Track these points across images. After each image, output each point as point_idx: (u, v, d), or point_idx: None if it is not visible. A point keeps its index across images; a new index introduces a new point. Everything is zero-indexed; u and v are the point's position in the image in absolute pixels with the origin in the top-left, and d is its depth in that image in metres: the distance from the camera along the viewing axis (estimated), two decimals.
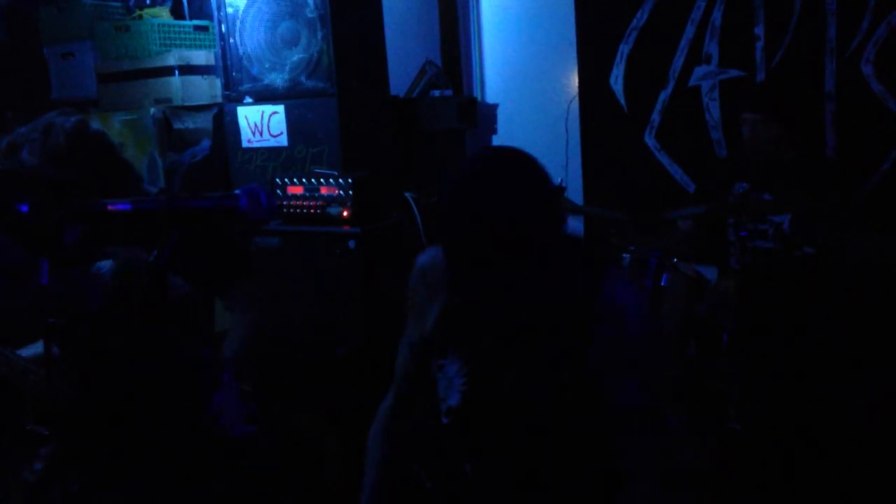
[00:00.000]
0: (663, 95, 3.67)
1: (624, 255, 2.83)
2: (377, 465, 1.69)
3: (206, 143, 3.51)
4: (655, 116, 3.70)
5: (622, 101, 3.77)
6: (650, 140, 3.74)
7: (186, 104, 3.40)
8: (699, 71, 3.57)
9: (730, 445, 2.41)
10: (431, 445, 1.63)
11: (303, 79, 3.00)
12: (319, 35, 2.93)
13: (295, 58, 3.01)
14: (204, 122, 3.55)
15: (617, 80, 3.76)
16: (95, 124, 3.51)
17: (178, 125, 3.52)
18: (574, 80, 3.86)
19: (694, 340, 2.80)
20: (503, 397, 1.40)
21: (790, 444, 2.20)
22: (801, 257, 2.16)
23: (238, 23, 3.08)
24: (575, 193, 3.84)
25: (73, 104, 3.70)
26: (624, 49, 3.71)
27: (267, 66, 3.06)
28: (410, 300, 1.55)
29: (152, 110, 3.39)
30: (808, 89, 3.30)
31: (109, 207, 1.16)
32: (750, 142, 3.06)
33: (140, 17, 3.47)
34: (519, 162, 1.28)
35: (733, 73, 3.50)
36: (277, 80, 3.05)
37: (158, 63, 3.38)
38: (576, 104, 3.86)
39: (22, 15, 3.94)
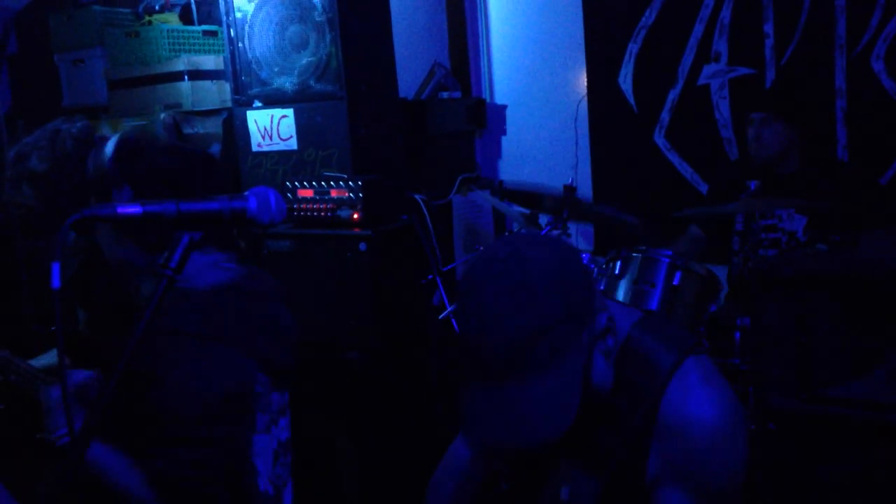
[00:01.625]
0: (672, 94, 3.65)
1: (635, 254, 2.83)
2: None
3: (216, 147, 3.52)
4: (665, 115, 3.69)
5: (631, 100, 3.76)
6: (660, 139, 3.73)
7: (196, 109, 3.42)
8: (708, 69, 3.56)
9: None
10: None
11: (312, 82, 3.01)
12: (328, 38, 2.93)
13: (304, 61, 3.02)
14: (214, 126, 3.56)
15: (626, 80, 3.75)
16: (106, 130, 3.54)
17: (188, 130, 3.53)
18: (583, 80, 3.85)
19: (707, 340, 2.79)
20: (548, 495, 1.26)
21: (806, 443, 2.19)
22: (813, 254, 2.15)
23: (247, 27, 3.09)
24: (585, 192, 3.84)
25: (84, 111, 3.74)
26: (632, 48, 3.70)
27: (276, 70, 3.07)
28: None
29: (162, 115, 3.41)
30: (818, 86, 3.29)
31: (119, 211, 1.16)
32: (755, 143, 3.06)
33: (149, 22, 3.49)
34: (512, 281, 1.10)
35: (743, 70, 3.48)
36: (286, 83, 3.06)
37: (168, 68, 3.39)
38: (584, 104, 3.86)
39: (33, 23, 3.97)
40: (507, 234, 2.79)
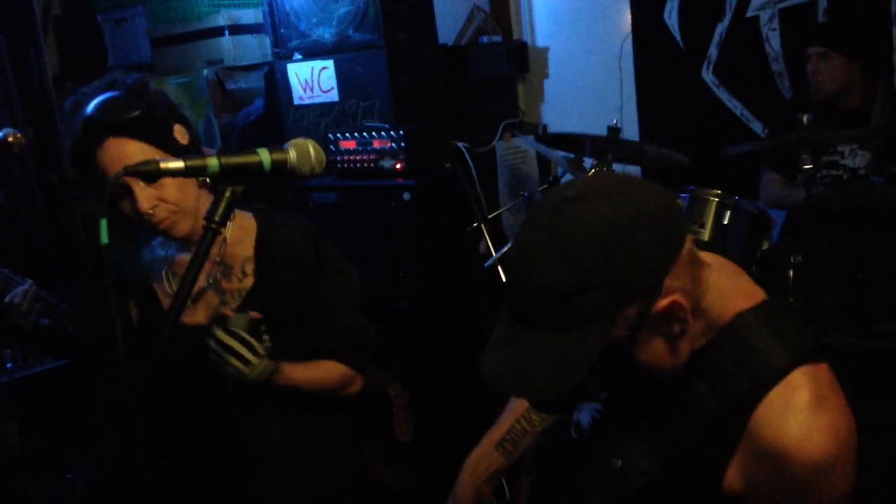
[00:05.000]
0: (720, 28, 3.54)
1: (683, 195, 2.77)
2: (506, 411, 1.53)
3: (259, 102, 3.54)
4: (713, 51, 3.58)
5: (677, 36, 3.65)
6: (708, 76, 3.62)
7: (238, 64, 3.43)
8: (757, 1, 3.43)
9: None
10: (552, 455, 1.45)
11: (350, 32, 2.99)
12: None
13: (342, 11, 2.99)
14: (256, 81, 3.58)
15: (671, 15, 3.64)
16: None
17: (230, 86, 3.55)
18: (627, 18, 3.75)
19: (759, 279, 2.74)
20: (598, 458, 1.15)
21: (862, 379, 2.15)
22: (868, 187, 2.09)
23: None
24: (631, 135, 3.77)
25: (128, 69, 3.78)
26: None
27: (314, 20, 3.05)
28: None
29: (205, 72, 3.43)
30: (873, 13, 3.14)
31: (162, 165, 1.18)
32: (814, 79, 2.96)
33: None
34: (566, 228, 0.99)
35: (793, 0, 3.35)
36: (325, 34, 3.05)
37: (209, 24, 3.40)
38: (629, 42, 3.76)
39: None
40: (602, 170, 2.71)
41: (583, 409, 1.29)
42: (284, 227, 1.74)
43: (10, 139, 1.93)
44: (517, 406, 1.48)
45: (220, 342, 1.53)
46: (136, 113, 1.53)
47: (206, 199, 1.63)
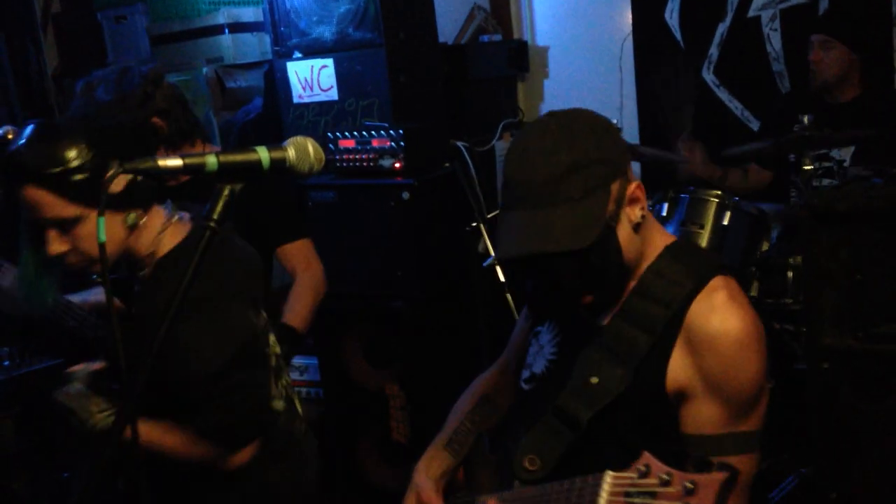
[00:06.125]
0: (721, 28, 3.53)
1: (682, 195, 2.77)
2: (452, 414, 1.67)
3: (258, 100, 3.53)
4: (713, 51, 3.57)
5: (678, 36, 3.64)
6: (708, 76, 3.62)
7: (238, 62, 3.42)
8: (759, 1, 3.42)
9: (797, 386, 2.37)
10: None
11: (350, 30, 2.98)
12: None
13: (342, 9, 2.99)
14: (255, 79, 3.57)
15: (672, 15, 3.64)
16: None
17: (230, 84, 3.55)
18: (627, 17, 3.74)
19: (758, 280, 2.73)
20: (576, 382, 1.35)
21: (861, 382, 2.15)
22: (868, 188, 2.08)
23: None
24: (631, 135, 3.76)
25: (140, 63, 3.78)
26: None
27: (314, 19, 3.04)
28: None
29: (205, 70, 3.43)
30: (874, 13, 3.15)
31: (160, 163, 1.17)
32: (815, 66, 2.98)
33: None
34: (557, 125, 1.30)
35: (795, 0, 3.34)
36: (325, 32, 3.04)
37: (209, 22, 3.40)
38: (630, 42, 3.75)
39: None
40: None
41: (537, 358, 1.50)
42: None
43: (10, 136, 1.92)
44: (462, 408, 1.65)
45: (58, 403, 1.53)
46: (58, 169, 1.40)
47: (141, 237, 1.52)
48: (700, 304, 1.30)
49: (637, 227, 1.34)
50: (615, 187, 1.29)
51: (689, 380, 1.29)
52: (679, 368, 1.30)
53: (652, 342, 1.30)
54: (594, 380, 1.32)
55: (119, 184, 1.44)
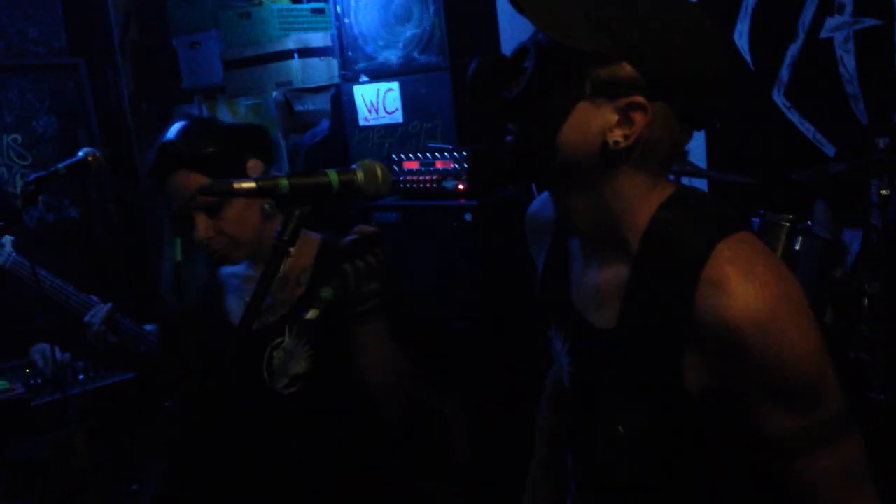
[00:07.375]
0: (792, 49, 3.46)
1: (753, 219, 2.71)
2: (539, 434, 1.64)
3: (325, 123, 3.60)
4: (784, 72, 3.50)
5: (747, 57, 3.58)
6: (779, 98, 3.54)
7: (306, 86, 3.50)
8: (831, 22, 3.34)
9: (874, 416, 2.28)
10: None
11: (416, 54, 3.02)
12: (431, 9, 2.93)
13: (408, 34, 3.03)
14: (323, 102, 3.64)
15: (741, 36, 3.58)
16: (223, 109, 3.68)
17: (298, 107, 3.62)
18: None
19: (832, 307, 2.65)
20: (604, 432, 1.17)
21: None
22: None
23: (352, 3, 3.13)
24: (698, 157, 3.70)
25: (201, 91, 3.90)
26: (748, 2, 3.52)
27: (381, 43, 3.10)
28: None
29: (274, 94, 3.51)
30: None
31: (235, 185, 1.20)
32: None
33: (260, 3, 3.58)
34: None
35: (869, 22, 3.25)
36: (392, 57, 3.09)
37: (279, 47, 3.48)
38: None
39: (151, 9, 4.16)
40: None
41: (561, 367, 1.34)
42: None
43: (90, 158, 1.99)
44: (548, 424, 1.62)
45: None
46: (210, 150, 1.58)
47: (271, 227, 1.65)
48: (705, 290, 1.02)
49: (607, 150, 1.06)
50: (613, 73, 1.07)
51: (718, 380, 1.06)
52: (697, 368, 1.06)
53: (661, 354, 1.08)
54: (620, 429, 1.13)
55: (256, 170, 1.62)
